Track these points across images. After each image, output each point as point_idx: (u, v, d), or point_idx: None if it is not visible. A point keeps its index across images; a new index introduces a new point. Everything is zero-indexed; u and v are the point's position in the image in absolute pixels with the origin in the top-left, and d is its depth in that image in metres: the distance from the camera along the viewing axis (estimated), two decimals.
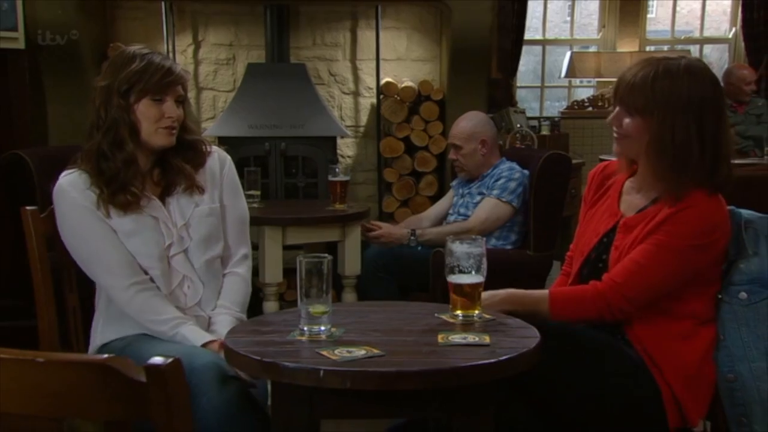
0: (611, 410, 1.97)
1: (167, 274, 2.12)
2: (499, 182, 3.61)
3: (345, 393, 1.64)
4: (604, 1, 7.18)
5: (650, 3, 7.31)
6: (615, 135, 2.07)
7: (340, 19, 4.93)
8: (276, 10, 4.71)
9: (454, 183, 3.95)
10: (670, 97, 1.97)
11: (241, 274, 2.24)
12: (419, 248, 3.62)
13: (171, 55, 4.72)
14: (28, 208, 2.19)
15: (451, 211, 3.86)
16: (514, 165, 3.68)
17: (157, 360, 1.00)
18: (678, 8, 7.62)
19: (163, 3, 4.67)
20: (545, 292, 2.07)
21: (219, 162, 2.23)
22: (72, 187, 2.09)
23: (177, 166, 2.14)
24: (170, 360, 1.01)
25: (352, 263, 3.61)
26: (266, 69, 4.72)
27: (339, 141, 4.80)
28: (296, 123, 4.59)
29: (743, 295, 1.98)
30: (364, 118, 5.00)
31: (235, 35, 4.90)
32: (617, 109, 2.05)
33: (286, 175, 4.65)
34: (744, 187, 2.50)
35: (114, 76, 2.06)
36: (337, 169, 3.73)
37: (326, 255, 1.81)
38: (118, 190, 2.06)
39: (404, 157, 4.81)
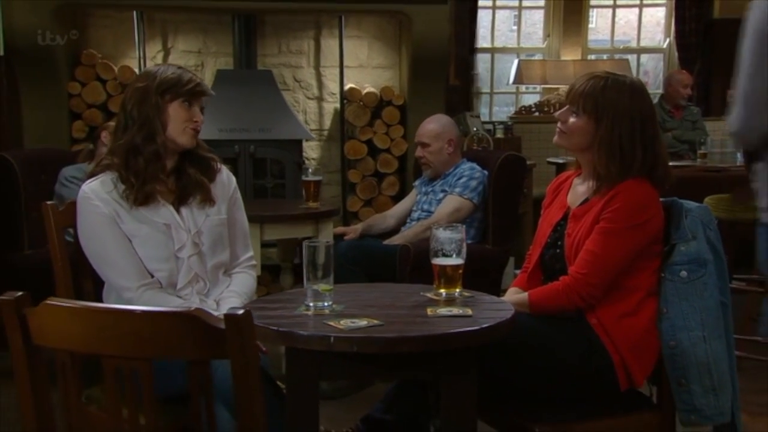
0: (570, 379, 2.26)
1: (174, 274, 2.34)
2: (461, 180, 3.90)
3: (350, 356, 1.91)
4: (549, 12, 7.57)
5: (591, 14, 7.71)
6: (558, 129, 2.38)
7: (304, 28, 5.20)
8: (243, 19, 4.95)
9: (416, 182, 4.23)
10: (617, 105, 2.29)
11: (248, 272, 2.52)
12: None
13: (142, 61, 4.91)
14: (48, 203, 2.40)
15: (414, 208, 4.13)
16: (475, 165, 3.98)
17: (236, 310, 1.26)
18: (616, 19, 8.04)
19: (134, 12, 4.87)
20: (525, 295, 2.34)
21: (227, 180, 2.49)
22: (95, 195, 2.30)
23: (196, 178, 2.38)
24: (244, 311, 1.26)
25: None
26: (234, 75, 4.95)
27: (304, 144, 5.06)
28: (264, 127, 4.83)
29: (684, 273, 2.27)
30: (327, 122, 5.27)
31: (203, 43, 5.12)
32: (566, 107, 2.36)
33: (255, 176, 4.88)
34: (680, 185, 2.86)
35: (152, 79, 2.29)
36: (309, 170, 3.99)
37: (329, 240, 2.07)
38: (146, 181, 2.28)
39: (367, 159, 5.09)
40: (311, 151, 5.26)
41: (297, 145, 4.95)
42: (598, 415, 2.27)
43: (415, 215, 4.09)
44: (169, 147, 2.33)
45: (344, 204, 5.13)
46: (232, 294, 2.41)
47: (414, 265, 3.61)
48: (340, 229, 4.09)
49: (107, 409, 1.27)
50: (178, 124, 2.31)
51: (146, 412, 1.32)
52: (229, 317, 1.25)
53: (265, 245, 4.11)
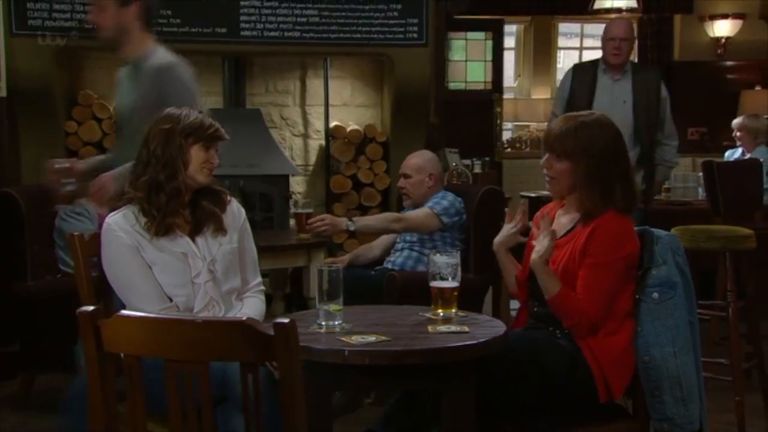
0: (554, 391, 2.47)
1: (191, 299, 2.54)
2: (435, 199, 4.11)
3: (361, 369, 2.13)
4: (519, 54, 7.93)
5: (559, 55, 8.08)
6: (547, 179, 2.62)
7: (290, 69, 5.46)
8: (233, 61, 5.20)
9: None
10: (590, 142, 2.54)
11: (259, 297, 2.72)
12: (373, 272, 4.11)
13: None
14: (75, 233, 2.59)
15: (398, 239, 4.34)
16: (449, 192, 4.21)
17: (283, 319, 1.48)
18: (582, 60, 8.43)
19: None
20: (560, 283, 2.48)
21: (237, 211, 2.69)
22: (118, 227, 2.50)
23: (209, 210, 2.57)
24: (290, 320, 1.48)
25: None
26: (224, 114, 5.16)
27: (291, 179, 5.29)
28: (252, 162, 5.05)
29: (655, 295, 2.50)
30: (312, 158, 5.53)
31: None
32: (547, 155, 2.60)
33: (244, 210, 5.07)
34: (647, 217, 3.12)
35: (176, 122, 2.50)
36: (300, 203, 4.20)
37: (339, 265, 2.30)
38: (167, 215, 2.49)
39: (352, 193, 5.34)
40: (297, 185, 5.49)
41: (284, 179, 5.18)
42: (580, 424, 2.47)
43: (398, 246, 4.30)
44: (188, 184, 2.53)
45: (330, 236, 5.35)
46: (250, 309, 2.61)
47: (401, 292, 3.82)
48: (329, 260, 4.29)
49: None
50: (197, 165, 2.51)
51: (204, 410, 1.53)
52: (278, 325, 1.47)
53: None
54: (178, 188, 2.49)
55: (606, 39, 4.80)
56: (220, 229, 2.59)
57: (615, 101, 4.60)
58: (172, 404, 1.52)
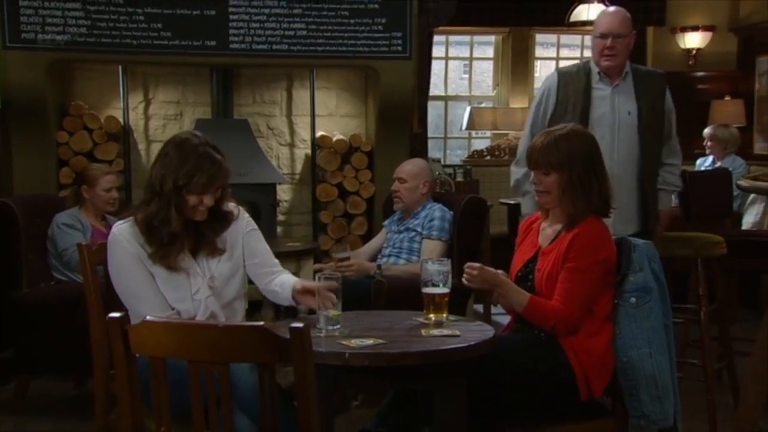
0: (539, 390, 2.62)
1: (190, 312, 2.64)
2: (435, 223, 4.24)
3: (360, 370, 2.26)
4: (497, 63, 8.10)
5: (536, 65, 8.27)
6: (536, 192, 2.78)
7: (277, 80, 5.60)
8: (221, 72, 5.32)
9: (386, 222, 4.58)
10: (570, 152, 2.71)
11: (285, 272, 2.83)
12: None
13: (124, 111, 5.24)
14: (82, 243, 2.71)
15: (385, 245, 4.47)
16: (442, 206, 4.36)
17: (298, 324, 1.61)
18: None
19: (119, 66, 5.20)
20: (528, 295, 2.66)
21: (240, 222, 2.77)
22: (123, 238, 2.60)
23: (207, 236, 2.66)
24: (305, 324, 1.62)
25: None
26: (212, 123, 5.29)
27: (278, 187, 5.42)
28: (241, 171, 5.16)
29: (633, 300, 2.66)
30: (299, 167, 5.65)
31: (182, 94, 5.47)
32: (535, 172, 2.76)
33: None
34: None
35: (176, 168, 2.53)
36: (341, 248, 4.12)
37: (338, 274, 2.45)
38: (165, 255, 2.58)
39: (337, 201, 5.48)
40: (284, 194, 5.62)
41: (271, 188, 5.31)
42: (563, 421, 2.62)
43: (386, 251, 4.42)
44: (183, 223, 2.59)
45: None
46: (288, 276, 2.77)
47: (388, 298, 3.95)
48: (318, 266, 4.42)
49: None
50: (189, 208, 2.58)
51: (223, 407, 1.66)
52: (293, 329, 1.61)
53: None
54: (171, 233, 2.57)
55: (595, 36, 3.74)
56: (215, 251, 2.69)
57: (618, 112, 3.75)
58: (194, 402, 1.65)
